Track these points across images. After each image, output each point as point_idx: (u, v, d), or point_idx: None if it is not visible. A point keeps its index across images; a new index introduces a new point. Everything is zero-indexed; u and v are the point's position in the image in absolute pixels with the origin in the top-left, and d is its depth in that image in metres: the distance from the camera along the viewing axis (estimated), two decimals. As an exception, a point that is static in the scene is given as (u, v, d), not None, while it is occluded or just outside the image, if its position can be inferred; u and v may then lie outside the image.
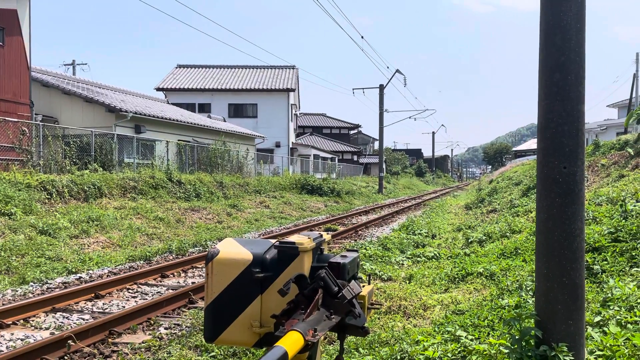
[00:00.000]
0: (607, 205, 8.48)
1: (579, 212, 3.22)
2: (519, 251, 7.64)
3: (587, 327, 3.81)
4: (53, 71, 24.94)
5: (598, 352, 3.38)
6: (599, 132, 41.12)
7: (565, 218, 3.20)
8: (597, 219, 7.55)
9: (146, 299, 7.62)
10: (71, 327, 6.11)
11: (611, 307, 4.19)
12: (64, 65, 44.47)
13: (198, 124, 26.21)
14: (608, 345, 3.39)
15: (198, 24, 67.70)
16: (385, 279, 7.63)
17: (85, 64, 46.38)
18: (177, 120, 24.17)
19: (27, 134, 15.23)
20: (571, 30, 3.19)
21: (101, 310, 6.96)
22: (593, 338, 3.59)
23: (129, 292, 8.04)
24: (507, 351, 3.40)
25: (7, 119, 15.10)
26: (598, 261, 5.68)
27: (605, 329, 3.78)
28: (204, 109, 38.74)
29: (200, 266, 10.10)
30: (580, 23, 3.21)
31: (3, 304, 6.96)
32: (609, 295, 4.42)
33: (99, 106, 20.80)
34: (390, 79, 38.56)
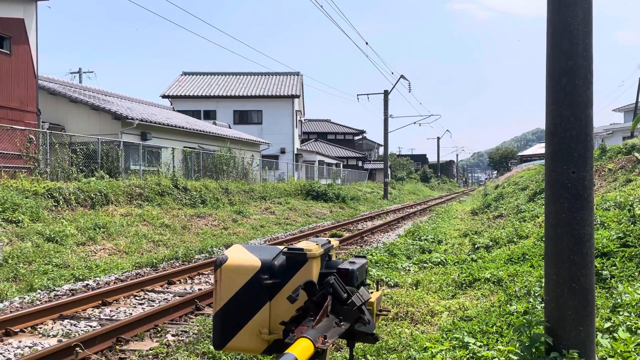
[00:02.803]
0: (615, 210, 8.43)
1: (588, 217, 3.20)
2: (527, 257, 7.59)
3: (597, 333, 3.77)
4: (60, 79, 25.13)
5: (609, 359, 3.35)
6: (605, 137, 40.94)
7: (575, 223, 3.18)
8: (605, 224, 7.50)
9: (153, 305, 7.62)
10: (79, 334, 6.11)
11: (621, 313, 4.15)
12: (71, 73, 44.85)
13: (203, 131, 26.29)
14: (619, 351, 3.35)
15: (203, 32, 67.97)
16: (392, 285, 7.60)
17: (92, 72, 46.74)
18: (182, 127, 24.27)
19: (34, 142, 15.33)
20: (578, 35, 3.19)
21: (108, 317, 6.97)
22: (603, 344, 3.55)
23: (136, 299, 8.05)
24: (516, 358, 3.36)
25: (14, 126, 15.21)
26: (607, 266, 5.64)
27: (615, 335, 3.74)
28: (210, 115, 38.87)
29: (206, 272, 10.10)
30: (587, 27, 3.21)
31: (11, 312, 6.98)
32: (619, 300, 4.38)
33: (105, 114, 20.93)
34: (395, 84, 38.55)
